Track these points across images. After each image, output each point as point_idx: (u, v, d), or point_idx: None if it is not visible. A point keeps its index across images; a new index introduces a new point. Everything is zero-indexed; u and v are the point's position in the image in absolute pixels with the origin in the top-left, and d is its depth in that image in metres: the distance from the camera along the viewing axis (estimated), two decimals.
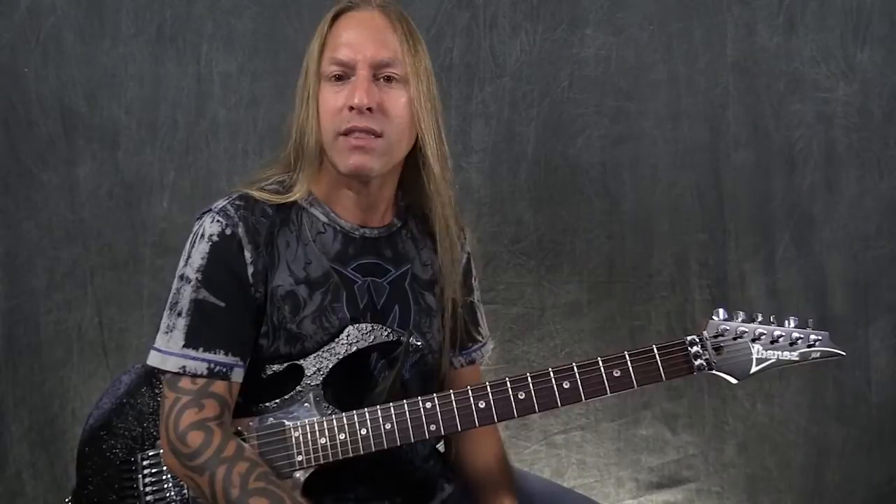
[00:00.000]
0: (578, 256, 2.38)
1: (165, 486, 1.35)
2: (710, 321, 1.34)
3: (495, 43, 2.35)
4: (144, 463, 1.37)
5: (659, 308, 2.38)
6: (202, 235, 1.31)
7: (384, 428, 1.30)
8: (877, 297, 2.39)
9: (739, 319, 1.34)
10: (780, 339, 1.32)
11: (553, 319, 2.39)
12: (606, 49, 2.35)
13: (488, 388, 1.31)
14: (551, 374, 1.31)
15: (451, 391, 1.31)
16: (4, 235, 2.33)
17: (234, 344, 1.30)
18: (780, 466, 2.41)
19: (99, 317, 2.34)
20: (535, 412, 1.31)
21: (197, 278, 1.29)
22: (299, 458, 1.29)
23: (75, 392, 2.34)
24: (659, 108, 2.36)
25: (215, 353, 1.28)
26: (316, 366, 1.33)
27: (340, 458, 1.29)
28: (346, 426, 1.30)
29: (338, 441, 1.29)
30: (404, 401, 1.31)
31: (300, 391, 1.33)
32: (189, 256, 1.31)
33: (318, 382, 1.33)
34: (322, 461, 1.29)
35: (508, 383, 1.31)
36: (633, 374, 1.30)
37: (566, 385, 1.30)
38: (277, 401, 1.33)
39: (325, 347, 1.34)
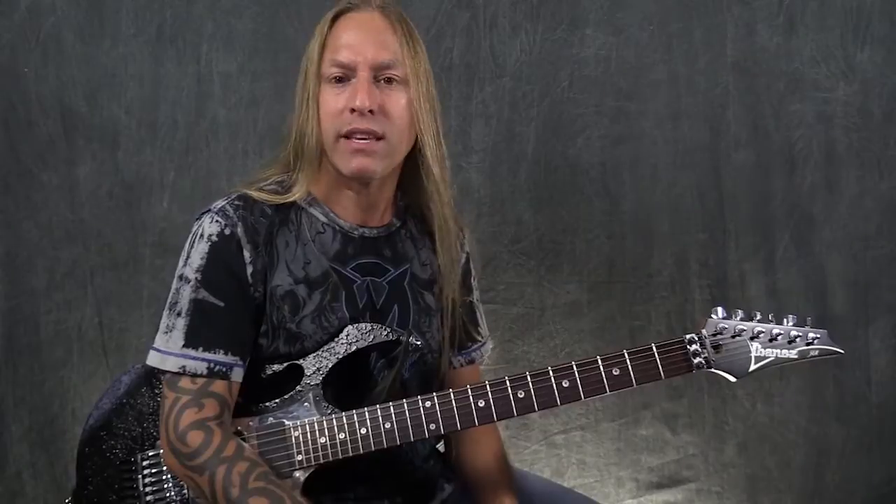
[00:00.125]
0: (578, 256, 2.38)
1: (165, 486, 1.35)
2: (709, 320, 1.34)
3: (495, 43, 2.35)
4: (144, 463, 1.37)
5: (659, 308, 2.38)
6: (201, 235, 1.31)
7: (384, 427, 1.30)
8: (877, 297, 2.39)
9: (738, 318, 1.34)
10: (779, 338, 1.32)
11: (553, 319, 2.39)
12: (606, 49, 2.35)
13: (488, 387, 1.31)
14: (550, 372, 1.31)
15: (451, 390, 1.31)
16: (4, 235, 2.33)
17: (234, 343, 1.30)
18: (780, 466, 2.41)
19: (99, 317, 2.35)
20: (534, 411, 1.31)
21: (196, 278, 1.29)
22: (299, 457, 1.29)
23: (75, 392, 2.34)
24: (659, 108, 2.36)
25: (215, 353, 1.28)
26: (315, 365, 1.33)
27: (340, 457, 1.30)
28: (345, 426, 1.30)
29: (337, 440, 1.29)
30: (404, 400, 1.31)
31: (300, 391, 1.33)
32: (188, 256, 1.32)
33: (318, 382, 1.33)
34: (322, 461, 1.29)
35: (508, 382, 1.31)
36: (632, 373, 1.30)
37: (565, 384, 1.30)
38: (277, 400, 1.33)
39: (325, 347, 1.34)
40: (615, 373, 1.30)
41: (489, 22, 2.34)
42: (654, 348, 1.31)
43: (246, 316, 1.31)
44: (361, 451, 1.30)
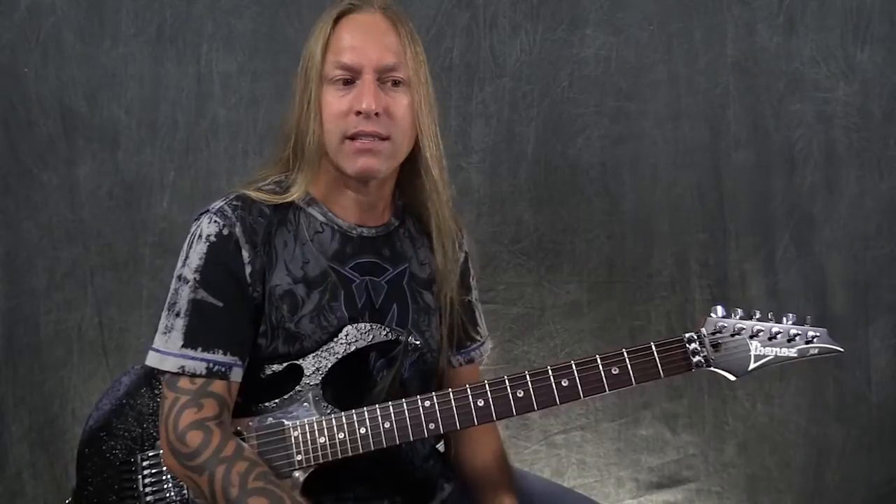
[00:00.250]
0: (578, 256, 2.38)
1: (165, 486, 1.35)
2: (708, 318, 1.34)
3: (495, 43, 2.35)
4: (144, 463, 1.37)
5: (659, 308, 2.38)
6: (200, 236, 1.31)
7: (383, 427, 1.30)
8: (877, 297, 2.39)
9: (737, 316, 1.33)
10: (779, 336, 1.32)
11: (553, 319, 2.39)
12: (606, 49, 2.35)
13: (487, 386, 1.31)
14: (550, 372, 1.31)
15: (450, 390, 1.31)
16: (4, 235, 2.33)
17: (233, 344, 1.30)
18: (780, 466, 2.40)
19: (99, 317, 2.35)
20: (533, 410, 1.31)
21: (195, 278, 1.30)
22: (298, 457, 1.29)
23: (75, 392, 2.34)
24: (659, 108, 2.36)
25: (214, 353, 1.28)
26: (315, 365, 1.33)
27: (340, 457, 1.30)
28: (345, 425, 1.30)
29: (337, 440, 1.29)
30: (403, 400, 1.31)
31: (299, 391, 1.33)
32: (187, 257, 1.32)
33: (318, 382, 1.33)
34: (321, 460, 1.29)
35: (507, 382, 1.31)
36: (631, 372, 1.30)
37: (565, 383, 1.30)
38: (277, 400, 1.33)
39: (324, 347, 1.34)
40: (614, 372, 1.30)
41: (489, 22, 2.34)
42: (654, 347, 1.31)
43: (245, 316, 1.31)
44: (361, 451, 1.30)
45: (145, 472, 1.36)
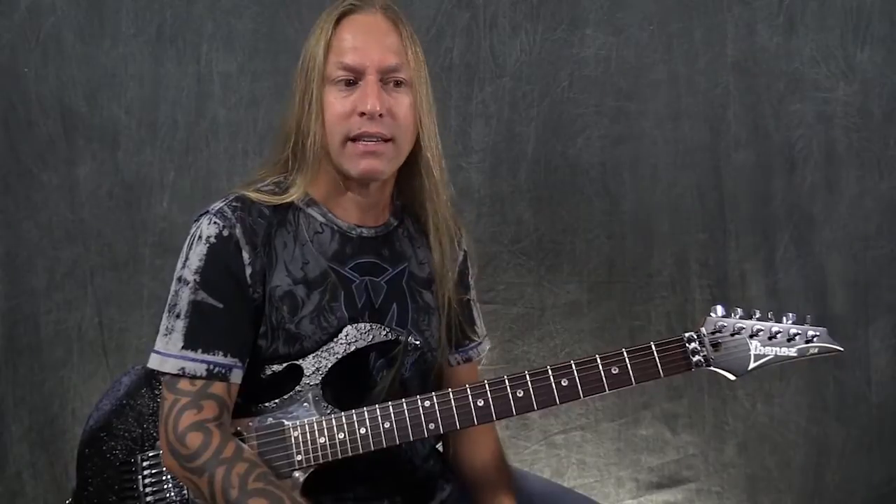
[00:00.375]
0: (578, 256, 2.38)
1: (165, 486, 1.35)
2: (708, 318, 1.34)
3: (495, 43, 2.35)
4: (144, 464, 1.37)
5: (659, 308, 2.38)
6: (199, 237, 1.31)
7: (383, 427, 1.30)
8: (877, 297, 2.38)
9: (737, 316, 1.33)
10: (778, 335, 1.32)
11: (553, 319, 2.39)
12: (606, 49, 2.35)
13: (487, 386, 1.31)
14: (549, 372, 1.31)
15: (450, 390, 1.31)
16: (4, 235, 2.33)
17: (233, 345, 1.30)
18: (780, 466, 2.40)
19: (99, 317, 2.35)
20: (533, 410, 1.31)
21: (195, 280, 1.30)
22: (298, 457, 1.30)
23: (75, 392, 2.35)
24: (659, 108, 2.36)
25: (214, 355, 1.28)
26: (315, 365, 1.33)
27: (340, 457, 1.30)
28: (345, 425, 1.30)
29: (337, 440, 1.30)
30: (403, 400, 1.31)
31: (299, 391, 1.33)
32: (187, 258, 1.32)
33: (318, 382, 1.33)
34: (321, 461, 1.29)
35: (507, 381, 1.31)
36: (631, 372, 1.30)
37: (564, 383, 1.30)
38: (276, 401, 1.33)
39: (324, 347, 1.34)
40: (614, 371, 1.30)
41: (489, 22, 2.34)
42: (653, 347, 1.31)
43: (245, 317, 1.31)
44: (361, 451, 1.30)
45: (145, 472, 1.36)
